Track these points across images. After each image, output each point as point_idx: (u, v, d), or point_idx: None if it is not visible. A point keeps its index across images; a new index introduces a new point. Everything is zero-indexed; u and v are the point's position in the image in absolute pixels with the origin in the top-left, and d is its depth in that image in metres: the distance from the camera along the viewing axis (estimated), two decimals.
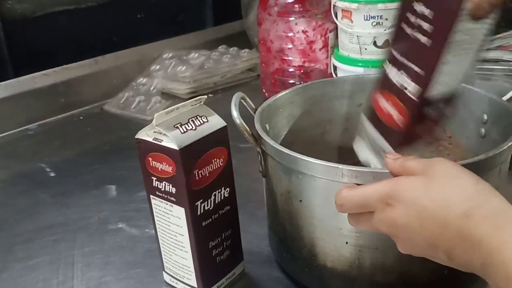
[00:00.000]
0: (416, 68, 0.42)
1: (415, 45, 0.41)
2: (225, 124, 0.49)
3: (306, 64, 0.95)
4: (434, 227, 0.34)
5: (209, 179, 0.48)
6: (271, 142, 0.48)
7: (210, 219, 0.49)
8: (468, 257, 0.34)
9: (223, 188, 0.49)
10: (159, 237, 0.52)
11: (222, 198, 0.50)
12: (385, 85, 0.46)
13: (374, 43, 0.81)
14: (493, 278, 0.32)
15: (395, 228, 0.37)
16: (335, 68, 0.90)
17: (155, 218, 0.51)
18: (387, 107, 0.45)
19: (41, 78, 1.01)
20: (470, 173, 0.36)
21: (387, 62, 0.46)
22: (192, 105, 0.48)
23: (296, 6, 0.92)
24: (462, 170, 0.36)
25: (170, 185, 0.46)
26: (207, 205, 0.48)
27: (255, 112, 0.54)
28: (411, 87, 0.42)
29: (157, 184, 0.48)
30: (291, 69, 0.96)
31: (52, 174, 0.80)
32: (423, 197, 0.35)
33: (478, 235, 0.32)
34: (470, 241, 0.33)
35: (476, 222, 0.33)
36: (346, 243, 0.46)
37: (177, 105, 0.47)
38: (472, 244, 0.33)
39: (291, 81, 0.96)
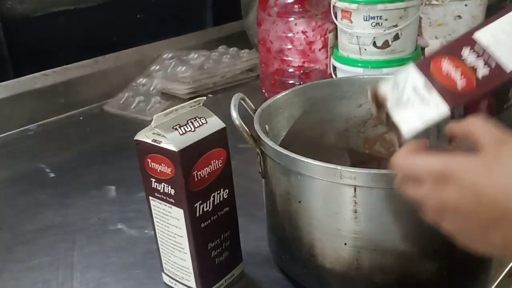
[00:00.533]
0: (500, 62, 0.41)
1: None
2: (224, 125, 0.49)
3: (306, 65, 0.95)
4: (493, 213, 0.32)
5: (208, 181, 0.48)
6: (270, 143, 0.48)
7: (209, 221, 0.49)
8: None
9: (222, 190, 0.49)
10: (158, 238, 0.52)
11: (221, 199, 0.50)
12: (457, 53, 0.43)
13: (374, 44, 0.81)
14: None
15: (443, 209, 0.34)
16: (334, 68, 0.90)
17: (154, 219, 0.51)
18: (452, 71, 0.43)
19: (41, 78, 1.01)
20: None
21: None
22: (191, 107, 0.48)
23: (296, 6, 0.92)
24: None
25: (169, 186, 0.46)
26: (206, 207, 0.48)
27: (254, 112, 0.54)
28: (485, 72, 0.41)
29: (156, 185, 0.48)
30: (290, 70, 0.96)
31: (52, 175, 0.80)
32: (483, 180, 0.32)
33: None
34: None
35: None
36: (345, 244, 0.46)
37: (176, 107, 0.47)
38: None
39: (291, 82, 0.96)
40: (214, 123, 0.48)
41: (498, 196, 0.31)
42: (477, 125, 0.35)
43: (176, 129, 0.45)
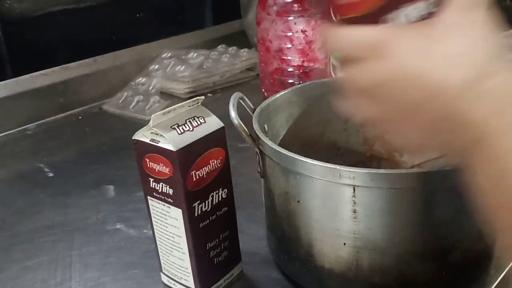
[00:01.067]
0: None
1: None
2: (222, 125, 0.49)
3: (305, 64, 0.94)
4: (422, 92, 0.28)
5: (207, 180, 0.47)
6: (269, 143, 0.48)
7: (208, 220, 0.49)
8: (454, 136, 0.28)
9: (220, 189, 0.49)
10: (156, 238, 0.52)
11: (220, 199, 0.49)
12: None
13: None
14: (482, 165, 0.27)
15: (376, 85, 0.30)
16: (334, 67, 0.89)
17: (153, 219, 0.51)
18: None
19: (40, 77, 1.01)
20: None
21: None
22: (189, 106, 0.48)
23: (295, 5, 0.91)
24: (485, 23, 0.29)
25: (167, 186, 0.46)
26: (205, 207, 0.48)
27: (253, 112, 0.54)
28: None
29: (154, 185, 0.47)
30: (290, 69, 0.95)
31: (51, 174, 0.80)
32: (420, 53, 0.29)
33: (474, 113, 0.27)
34: (463, 117, 0.27)
35: (476, 96, 0.27)
36: (344, 244, 0.45)
37: (174, 106, 0.46)
38: (463, 122, 0.27)
39: (290, 81, 0.95)
40: (212, 123, 0.48)
41: (435, 74, 0.28)
42: None
43: (174, 128, 0.45)
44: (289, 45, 0.93)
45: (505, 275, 0.52)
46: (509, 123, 0.26)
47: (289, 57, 0.95)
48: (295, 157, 0.45)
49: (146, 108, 1.01)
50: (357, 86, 0.32)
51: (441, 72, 0.28)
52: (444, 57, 0.28)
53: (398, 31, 0.30)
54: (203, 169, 0.47)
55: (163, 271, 0.53)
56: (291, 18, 0.92)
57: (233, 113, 0.50)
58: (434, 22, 0.30)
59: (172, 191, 0.46)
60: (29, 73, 1.00)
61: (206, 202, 0.48)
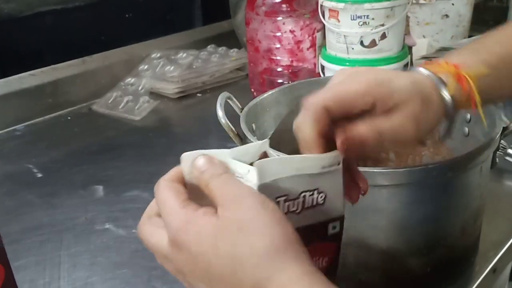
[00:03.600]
0: None
1: None
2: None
3: (294, 64, 0.95)
4: (225, 284, 0.30)
5: None
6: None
7: None
8: None
9: None
10: None
11: None
12: None
13: (361, 43, 0.82)
14: None
15: (183, 274, 0.33)
16: (322, 67, 0.90)
17: None
18: None
19: (29, 78, 1.00)
20: (270, 221, 0.30)
21: None
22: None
23: (284, 6, 0.92)
24: (260, 217, 0.30)
25: None
26: None
27: (242, 111, 0.54)
28: None
29: None
30: (279, 69, 0.96)
31: (39, 175, 0.80)
32: (209, 252, 0.30)
33: None
34: None
35: None
36: None
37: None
38: None
39: (279, 81, 0.96)
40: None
41: (225, 272, 0.30)
42: (216, 180, 0.32)
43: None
44: (278, 45, 0.94)
45: (489, 270, 0.53)
46: None
47: (278, 57, 0.95)
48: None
49: (136, 108, 1.01)
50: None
51: (232, 272, 0.30)
52: (233, 257, 0.30)
53: (188, 226, 0.31)
54: None
55: None
56: (279, 18, 0.92)
57: (220, 113, 0.50)
58: (224, 216, 0.31)
59: None
60: (17, 73, 0.99)
61: None
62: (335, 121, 0.36)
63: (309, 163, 0.34)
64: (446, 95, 0.39)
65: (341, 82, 0.38)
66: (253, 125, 0.55)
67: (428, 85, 0.39)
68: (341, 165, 0.35)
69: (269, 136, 0.60)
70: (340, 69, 0.41)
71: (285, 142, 0.60)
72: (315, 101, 0.36)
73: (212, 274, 0.30)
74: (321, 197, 0.34)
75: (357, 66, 0.39)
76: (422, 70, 0.40)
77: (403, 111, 0.37)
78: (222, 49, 1.19)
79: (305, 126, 0.36)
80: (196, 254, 0.31)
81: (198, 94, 1.07)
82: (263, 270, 0.29)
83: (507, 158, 0.70)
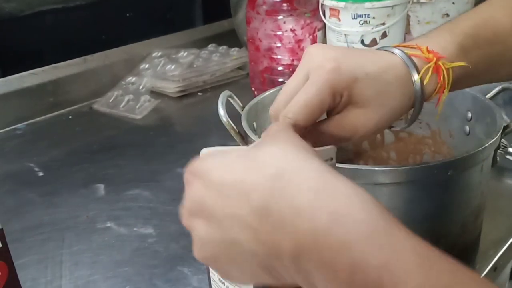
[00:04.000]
0: None
1: None
2: None
3: (295, 63, 0.95)
4: (233, 202, 0.28)
5: None
6: (258, 140, 0.48)
7: None
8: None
9: None
10: None
11: None
12: None
13: (362, 42, 0.82)
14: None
15: (195, 209, 0.30)
16: None
17: None
18: None
19: (30, 77, 1.00)
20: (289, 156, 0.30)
21: None
22: None
23: (284, 4, 0.92)
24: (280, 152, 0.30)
25: None
26: None
27: (243, 110, 0.55)
28: None
29: None
30: (280, 68, 0.96)
31: (41, 174, 0.80)
32: (227, 174, 0.29)
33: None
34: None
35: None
36: None
37: None
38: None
39: (280, 80, 0.96)
40: None
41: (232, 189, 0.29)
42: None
43: None
44: (279, 44, 0.94)
45: (490, 268, 0.53)
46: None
47: (278, 56, 0.95)
48: None
49: (137, 107, 1.01)
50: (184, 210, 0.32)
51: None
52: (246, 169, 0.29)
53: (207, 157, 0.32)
54: None
55: None
56: (280, 17, 0.92)
57: (221, 111, 0.50)
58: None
59: None
60: (18, 72, 0.99)
61: None
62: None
63: None
64: (417, 84, 0.39)
65: (305, 90, 0.37)
66: (254, 123, 0.55)
67: (399, 71, 0.38)
68: (334, 160, 0.35)
69: None
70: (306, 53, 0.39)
71: None
72: (283, 122, 0.37)
73: (224, 195, 0.29)
74: None
75: (318, 49, 0.38)
76: (397, 52, 0.39)
77: (365, 103, 0.37)
78: (222, 48, 1.19)
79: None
80: (211, 179, 0.30)
81: (199, 93, 1.07)
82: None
83: (508, 156, 0.70)
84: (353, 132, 0.38)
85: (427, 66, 0.39)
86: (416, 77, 0.39)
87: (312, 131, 0.38)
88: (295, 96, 0.37)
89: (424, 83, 0.39)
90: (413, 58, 0.39)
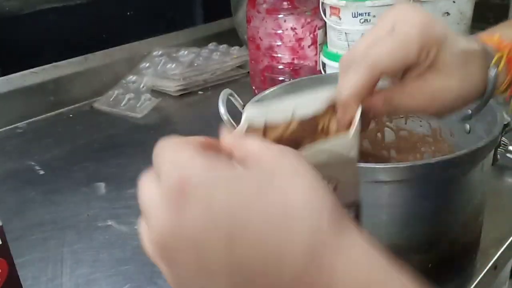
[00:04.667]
0: None
1: None
2: None
3: (295, 61, 0.95)
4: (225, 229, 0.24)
5: None
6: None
7: None
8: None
9: None
10: None
11: None
12: None
13: None
14: None
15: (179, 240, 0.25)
16: (324, 65, 0.90)
17: None
18: None
19: (30, 76, 1.01)
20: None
21: None
22: None
23: (285, 3, 0.92)
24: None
25: None
26: None
27: (243, 108, 0.55)
28: None
29: None
30: (280, 66, 0.96)
31: (42, 172, 0.80)
32: (249, 198, 0.24)
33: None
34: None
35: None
36: None
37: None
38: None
39: (281, 78, 0.96)
40: None
41: (275, 216, 0.24)
42: (247, 139, 0.28)
43: None
44: (279, 43, 0.94)
45: (490, 267, 0.53)
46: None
47: (279, 55, 0.95)
48: None
49: (137, 105, 1.01)
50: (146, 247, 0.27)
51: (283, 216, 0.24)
52: (285, 205, 0.24)
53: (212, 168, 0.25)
54: None
55: None
56: (280, 15, 0.92)
57: (222, 109, 0.51)
58: (267, 168, 0.25)
59: None
60: (19, 71, 0.99)
61: None
62: None
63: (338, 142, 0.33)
64: (492, 69, 0.37)
65: (399, 44, 0.34)
66: None
67: (479, 53, 0.36)
68: (359, 126, 0.34)
69: None
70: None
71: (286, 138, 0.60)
72: (376, 64, 0.34)
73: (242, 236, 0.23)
74: (333, 183, 0.33)
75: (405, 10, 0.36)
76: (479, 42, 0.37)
77: (448, 72, 0.35)
78: (223, 47, 1.19)
79: (357, 77, 0.35)
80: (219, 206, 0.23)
81: (200, 92, 1.07)
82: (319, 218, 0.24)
83: (508, 155, 0.70)
84: (430, 100, 0.36)
85: (499, 54, 0.38)
86: (492, 62, 0.37)
87: (384, 96, 0.35)
88: (378, 43, 0.34)
89: (499, 69, 0.37)
90: (487, 45, 0.38)
